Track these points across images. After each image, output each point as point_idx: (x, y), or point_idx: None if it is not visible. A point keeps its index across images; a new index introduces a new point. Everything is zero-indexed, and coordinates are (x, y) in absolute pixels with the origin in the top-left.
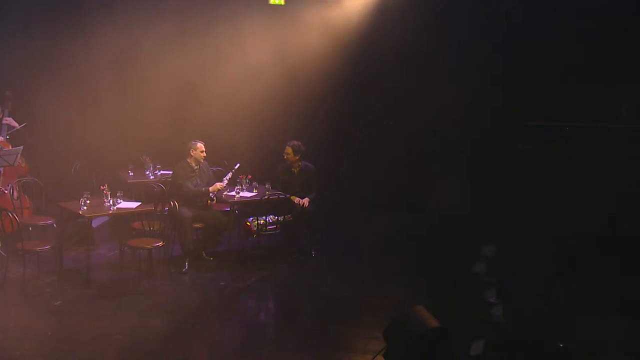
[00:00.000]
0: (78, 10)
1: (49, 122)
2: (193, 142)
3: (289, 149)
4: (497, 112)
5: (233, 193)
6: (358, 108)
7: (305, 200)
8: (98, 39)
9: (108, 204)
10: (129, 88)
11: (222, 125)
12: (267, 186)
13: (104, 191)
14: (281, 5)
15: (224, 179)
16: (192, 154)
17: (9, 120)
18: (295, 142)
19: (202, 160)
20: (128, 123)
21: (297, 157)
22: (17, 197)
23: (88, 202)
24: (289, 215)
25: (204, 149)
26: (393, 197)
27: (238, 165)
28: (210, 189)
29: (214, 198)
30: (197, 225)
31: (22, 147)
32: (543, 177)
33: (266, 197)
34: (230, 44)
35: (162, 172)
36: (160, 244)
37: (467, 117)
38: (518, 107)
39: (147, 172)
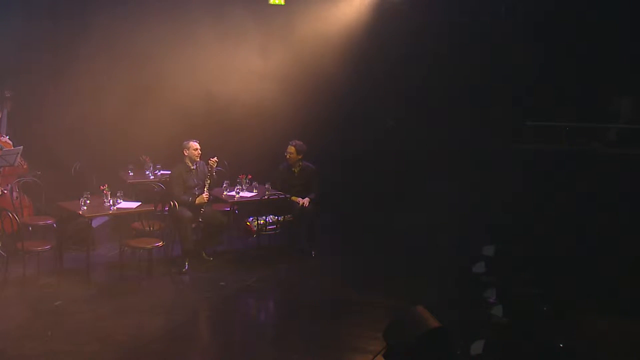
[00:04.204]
0: (79, 10)
1: (49, 122)
2: (186, 142)
3: (292, 148)
4: (496, 111)
5: (233, 193)
6: (358, 108)
7: (306, 200)
8: (99, 38)
9: (108, 204)
10: (129, 88)
11: (222, 125)
12: (267, 186)
13: (104, 191)
14: (281, 5)
15: (204, 188)
16: (185, 153)
17: (5, 139)
18: (298, 142)
19: (198, 159)
20: (128, 123)
21: (300, 157)
22: (17, 197)
23: (88, 202)
24: (289, 215)
25: (197, 147)
26: (393, 197)
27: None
28: (197, 200)
29: (203, 209)
30: (197, 225)
31: (22, 147)
32: (542, 176)
33: (266, 197)
34: (230, 43)
35: (162, 172)
36: (160, 244)
37: (466, 117)
38: (518, 107)
39: (147, 172)
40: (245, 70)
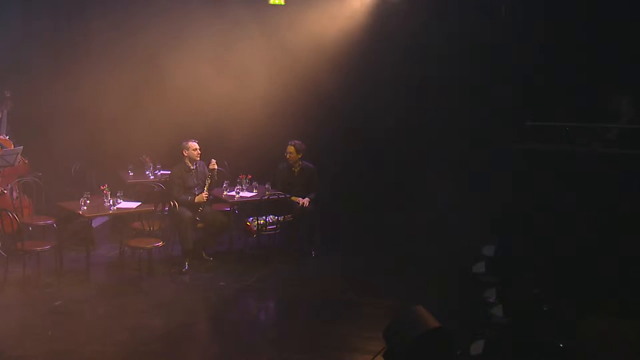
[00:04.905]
0: (78, 10)
1: (49, 121)
2: (185, 142)
3: (291, 148)
4: (496, 112)
5: (233, 193)
6: (358, 107)
7: (306, 200)
8: (99, 39)
9: (108, 204)
10: (129, 88)
11: (222, 125)
12: (267, 186)
13: (104, 191)
14: (281, 5)
15: (204, 188)
16: (185, 154)
17: (5, 139)
18: (297, 141)
19: (198, 159)
20: (128, 123)
21: (299, 156)
22: (17, 197)
23: (88, 202)
24: (289, 215)
25: (197, 147)
26: (392, 197)
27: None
28: (196, 199)
29: (201, 208)
30: (197, 225)
31: (22, 147)
32: (542, 176)
33: (266, 197)
34: (230, 43)
35: (162, 172)
36: (160, 244)
37: (466, 117)
38: (518, 107)
39: (147, 172)
40: (245, 69)
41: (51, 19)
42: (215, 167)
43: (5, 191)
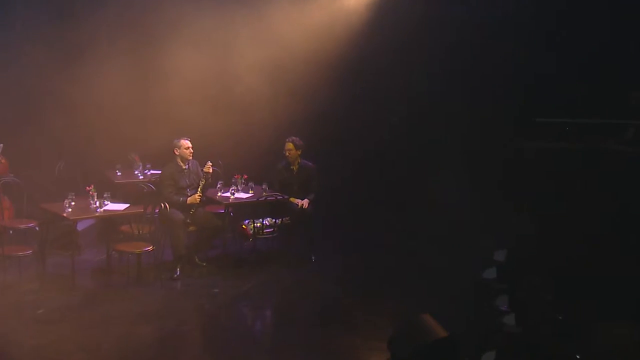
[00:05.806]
0: (69, 7)
1: (32, 119)
2: (176, 141)
3: (290, 145)
4: (500, 109)
5: (228, 194)
6: (358, 106)
7: (305, 202)
8: (89, 36)
9: (94, 205)
10: (118, 83)
11: (217, 123)
12: (264, 187)
13: (90, 192)
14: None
15: (198, 189)
16: (176, 153)
17: None
18: (295, 138)
19: (190, 158)
20: (116, 120)
21: (299, 153)
22: None
23: (73, 203)
24: (287, 218)
25: (189, 146)
26: (393, 197)
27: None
28: (189, 200)
29: (194, 210)
30: (190, 228)
31: (2, 145)
32: (550, 175)
33: (263, 198)
34: (225, 40)
35: (151, 171)
36: (150, 248)
37: (470, 115)
38: (524, 104)
39: (136, 172)
40: (241, 67)
41: (45, 17)
42: (211, 170)
43: None
